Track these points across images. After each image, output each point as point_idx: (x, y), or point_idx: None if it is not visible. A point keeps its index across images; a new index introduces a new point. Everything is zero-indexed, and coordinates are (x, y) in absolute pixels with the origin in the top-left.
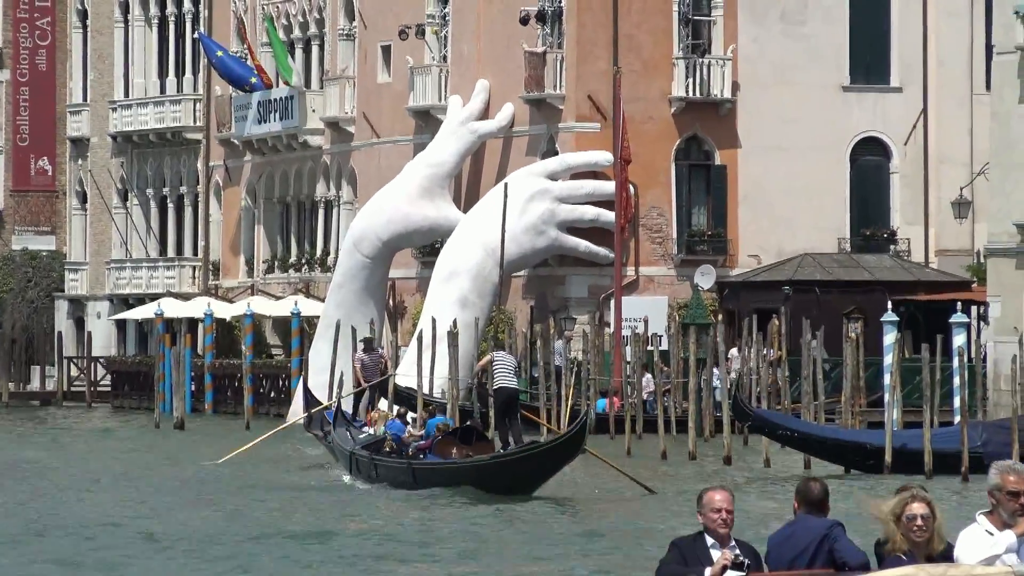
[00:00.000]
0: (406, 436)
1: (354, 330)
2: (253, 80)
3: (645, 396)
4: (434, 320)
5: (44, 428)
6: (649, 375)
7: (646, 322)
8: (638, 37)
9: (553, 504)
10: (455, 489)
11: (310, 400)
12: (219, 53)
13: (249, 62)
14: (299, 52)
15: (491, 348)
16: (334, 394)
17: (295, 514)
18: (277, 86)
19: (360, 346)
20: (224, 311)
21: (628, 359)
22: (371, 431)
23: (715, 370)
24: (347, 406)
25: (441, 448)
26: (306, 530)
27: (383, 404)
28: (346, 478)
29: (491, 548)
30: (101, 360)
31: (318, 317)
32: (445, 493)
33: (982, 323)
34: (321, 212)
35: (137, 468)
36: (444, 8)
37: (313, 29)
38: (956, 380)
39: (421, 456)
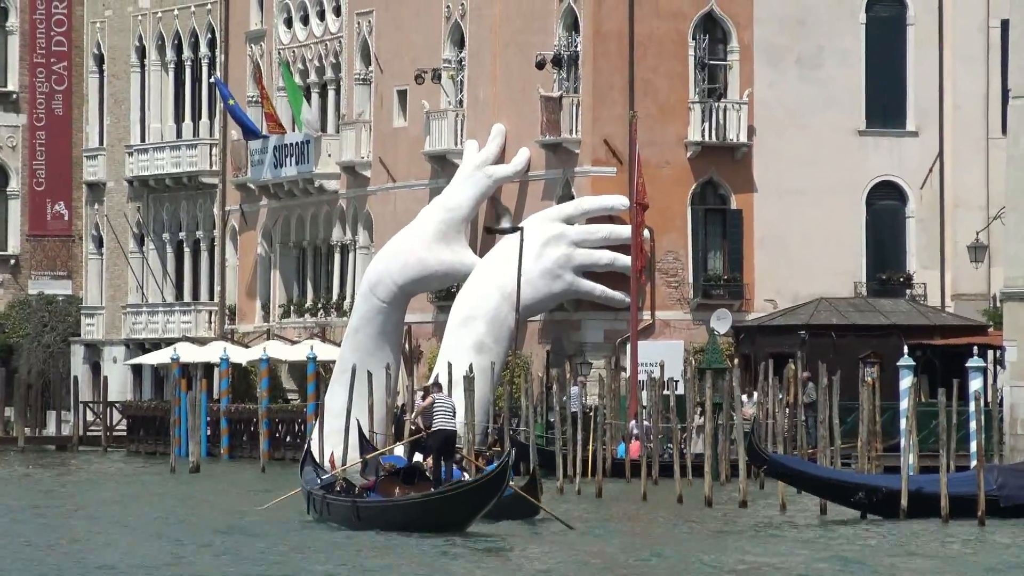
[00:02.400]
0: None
1: (370, 375)
2: (262, 135)
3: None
4: (450, 365)
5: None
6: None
7: (662, 366)
8: (654, 81)
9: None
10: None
11: (365, 446)
12: (231, 101)
13: (263, 109)
14: (315, 96)
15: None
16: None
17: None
18: (294, 131)
19: (419, 393)
20: (240, 356)
21: (644, 404)
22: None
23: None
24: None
25: (384, 487)
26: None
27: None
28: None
29: None
30: (117, 405)
31: (334, 362)
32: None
33: (998, 367)
34: (337, 257)
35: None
36: (460, 53)
37: (329, 74)
38: (972, 424)
39: (366, 495)
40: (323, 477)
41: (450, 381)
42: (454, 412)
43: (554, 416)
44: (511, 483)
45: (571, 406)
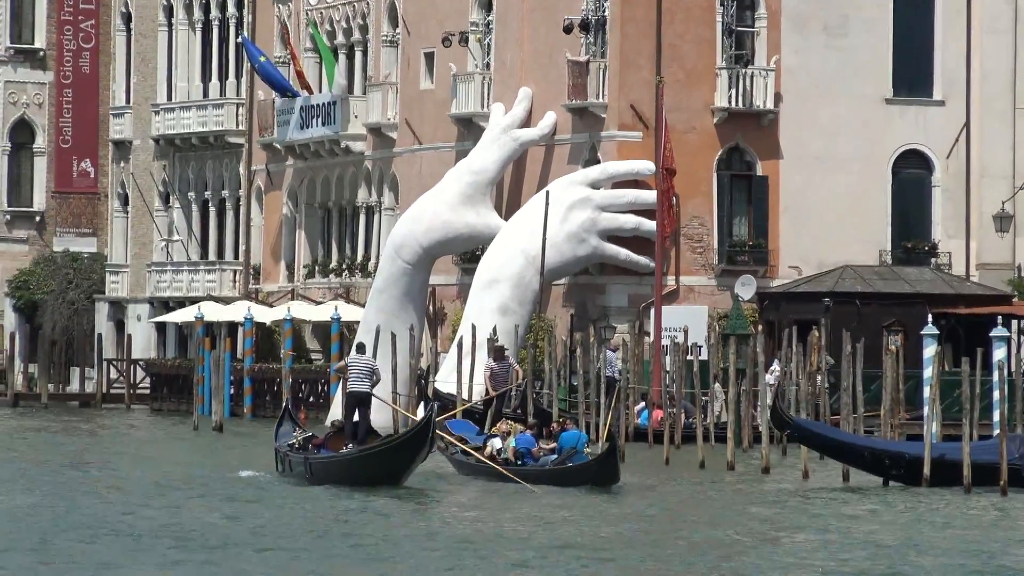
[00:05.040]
0: (535, 450)
1: (394, 336)
2: (290, 95)
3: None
4: (474, 327)
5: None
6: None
7: (686, 332)
8: (681, 47)
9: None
10: None
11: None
12: (262, 58)
13: (291, 68)
14: (342, 58)
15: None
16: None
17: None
18: (320, 91)
19: (492, 354)
20: (264, 315)
21: (667, 368)
22: (499, 443)
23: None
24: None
25: (334, 444)
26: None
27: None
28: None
29: None
30: (140, 363)
31: (358, 322)
32: None
33: (1022, 337)
34: (362, 218)
35: None
36: (487, 16)
37: (357, 35)
38: (996, 394)
39: (317, 451)
40: (293, 434)
41: (473, 343)
42: (370, 374)
43: (577, 380)
44: (587, 451)
45: (606, 370)
